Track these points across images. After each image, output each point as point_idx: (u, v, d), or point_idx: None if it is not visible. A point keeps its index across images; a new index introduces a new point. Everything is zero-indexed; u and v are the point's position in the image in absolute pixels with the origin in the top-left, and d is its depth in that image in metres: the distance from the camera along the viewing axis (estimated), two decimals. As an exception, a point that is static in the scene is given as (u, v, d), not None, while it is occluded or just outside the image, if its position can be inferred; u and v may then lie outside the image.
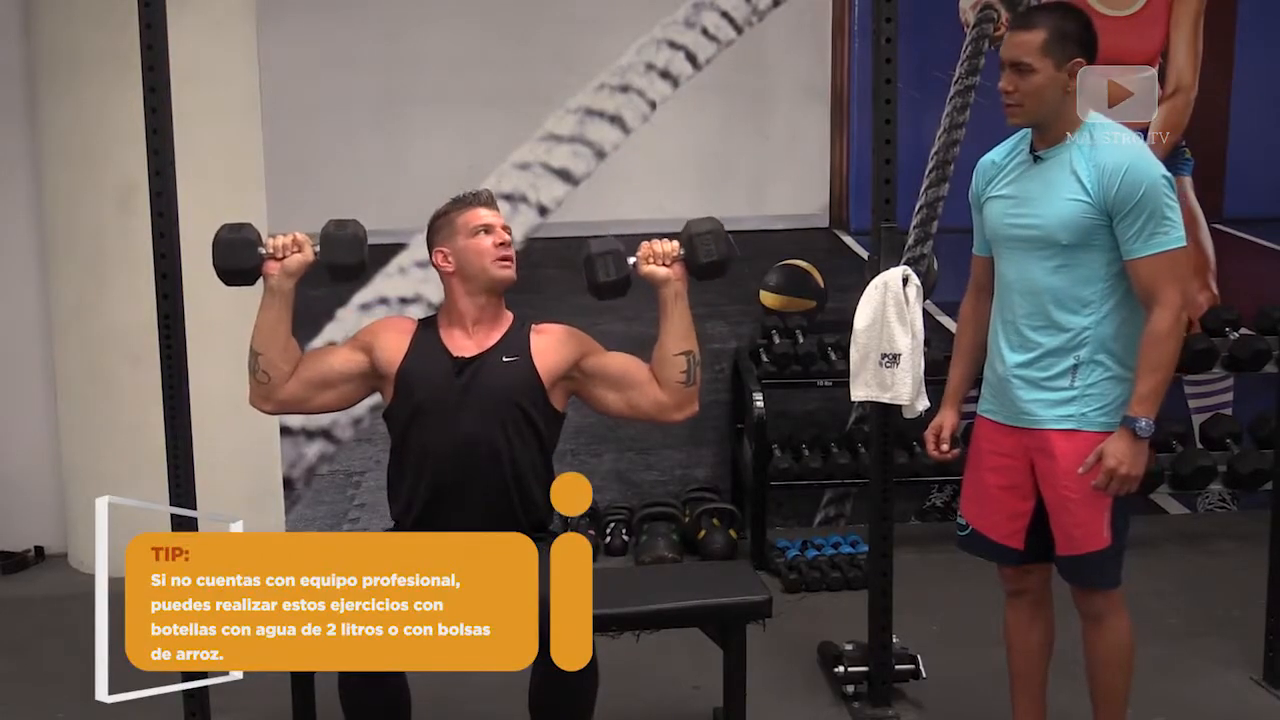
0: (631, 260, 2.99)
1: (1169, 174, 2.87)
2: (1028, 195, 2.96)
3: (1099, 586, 3.01)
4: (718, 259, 2.98)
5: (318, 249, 2.98)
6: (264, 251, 2.96)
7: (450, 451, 2.96)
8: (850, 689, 3.75)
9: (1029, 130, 2.98)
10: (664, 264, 2.97)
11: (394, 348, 3.04)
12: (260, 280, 2.99)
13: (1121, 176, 2.82)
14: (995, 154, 3.10)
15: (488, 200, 3.10)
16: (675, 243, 2.99)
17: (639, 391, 3.02)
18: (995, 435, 3.08)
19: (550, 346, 3.05)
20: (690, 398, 3.01)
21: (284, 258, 2.95)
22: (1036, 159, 2.96)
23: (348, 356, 3.06)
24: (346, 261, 3.00)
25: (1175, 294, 2.84)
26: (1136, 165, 2.83)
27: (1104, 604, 3.02)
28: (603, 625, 3.02)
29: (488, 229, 3.03)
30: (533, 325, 3.09)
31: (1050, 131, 2.93)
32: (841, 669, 3.76)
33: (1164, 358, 2.84)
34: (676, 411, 3.02)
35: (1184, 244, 2.86)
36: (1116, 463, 2.84)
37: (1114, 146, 2.87)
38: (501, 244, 3.03)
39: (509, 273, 3.04)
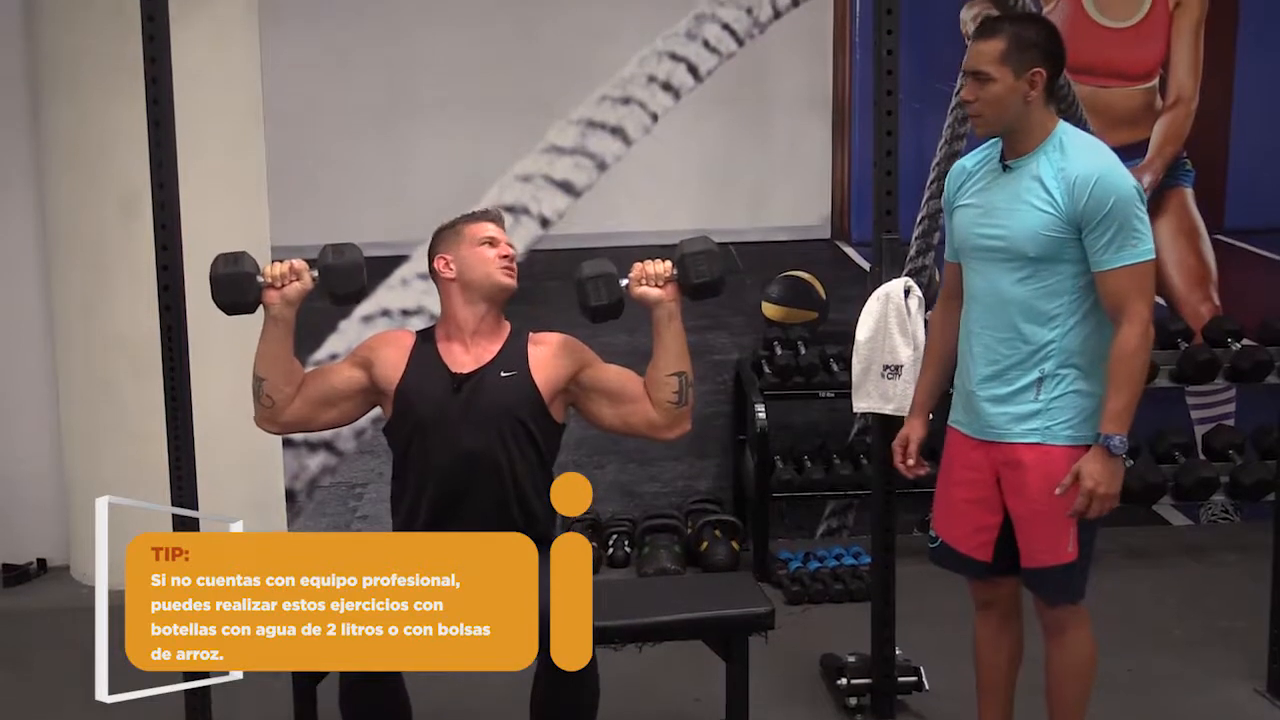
0: (623, 282, 2.98)
1: (1139, 185, 2.85)
2: (995, 206, 2.94)
3: (1062, 600, 2.99)
4: (710, 279, 2.95)
5: (316, 275, 2.97)
6: (262, 281, 2.95)
7: (450, 467, 2.96)
8: (853, 701, 3.74)
9: (1001, 139, 2.97)
10: (656, 285, 2.97)
11: (392, 364, 3.04)
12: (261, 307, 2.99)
13: (1091, 188, 2.79)
14: (968, 160, 3.09)
15: (496, 217, 3.14)
16: (668, 263, 2.98)
17: (633, 408, 3.02)
18: (964, 448, 3.07)
19: (548, 359, 3.05)
20: (682, 418, 3.01)
21: (283, 286, 2.96)
22: (1006, 168, 2.94)
23: (348, 374, 3.06)
24: (346, 290, 3.01)
25: (1143, 307, 2.81)
26: (1106, 176, 2.81)
27: (1067, 617, 3.01)
28: (605, 637, 3.02)
29: (493, 241, 3.06)
30: (530, 335, 3.10)
31: (1017, 140, 2.91)
32: (844, 681, 3.75)
33: (1133, 373, 2.83)
34: (668, 431, 3.02)
35: (1153, 256, 2.83)
36: (1094, 484, 2.82)
37: (1083, 157, 2.85)
38: (505, 256, 3.05)
39: (512, 281, 3.05)
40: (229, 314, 3.01)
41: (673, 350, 2.97)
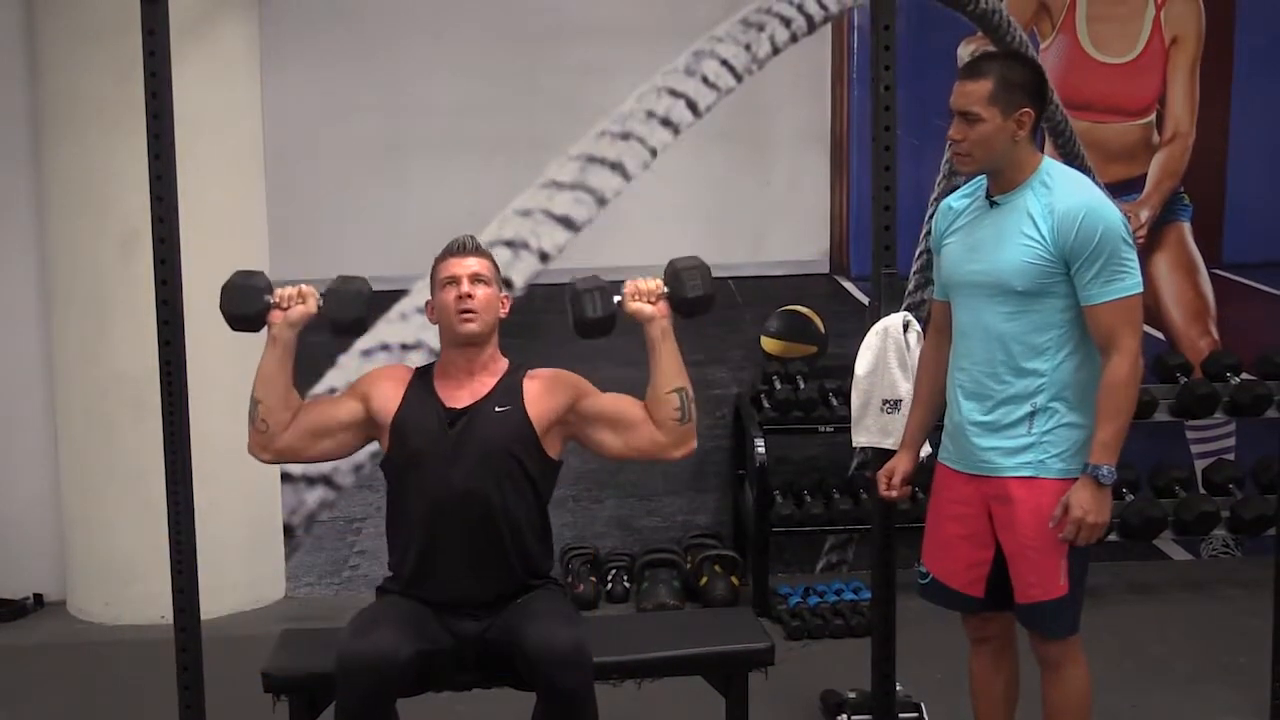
0: (616, 298, 3.00)
1: (1125, 218, 2.88)
2: (982, 241, 2.97)
3: (1055, 635, 2.99)
4: (704, 294, 2.99)
5: (322, 303, 3.00)
6: (270, 300, 2.99)
7: (444, 504, 2.96)
8: (854, 737, 3.72)
9: (986, 176, 3.00)
10: (649, 301, 2.98)
11: (389, 397, 3.04)
12: (265, 328, 3.02)
13: (1079, 222, 2.82)
14: (954, 198, 3.11)
15: (459, 249, 3.07)
16: (659, 280, 3.01)
17: (635, 432, 3.01)
18: (954, 483, 3.07)
19: (542, 392, 3.04)
20: (687, 435, 3.01)
21: (288, 308, 2.98)
22: (993, 204, 2.97)
23: (345, 406, 3.07)
24: (346, 317, 3.04)
25: (1133, 340, 2.85)
26: (1094, 211, 2.84)
27: (1062, 652, 3.00)
28: (603, 673, 3.00)
29: (453, 280, 3.02)
30: (527, 371, 3.09)
31: (1004, 178, 2.94)
32: (845, 717, 3.74)
33: (1123, 404, 2.85)
34: (675, 449, 3.01)
35: (1141, 289, 2.86)
36: (1083, 512, 2.84)
37: (1070, 192, 2.88)
38: (460, 296, 3.00)
39: (470, 327, 3.00)
40: (234, 328, 3.05)
41: (669, 367, 2.98)
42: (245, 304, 3.01)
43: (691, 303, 2.99)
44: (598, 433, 3.04)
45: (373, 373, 3.16)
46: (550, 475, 3.08)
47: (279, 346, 2.99)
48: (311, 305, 3.00)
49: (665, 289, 3.00)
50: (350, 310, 3.03)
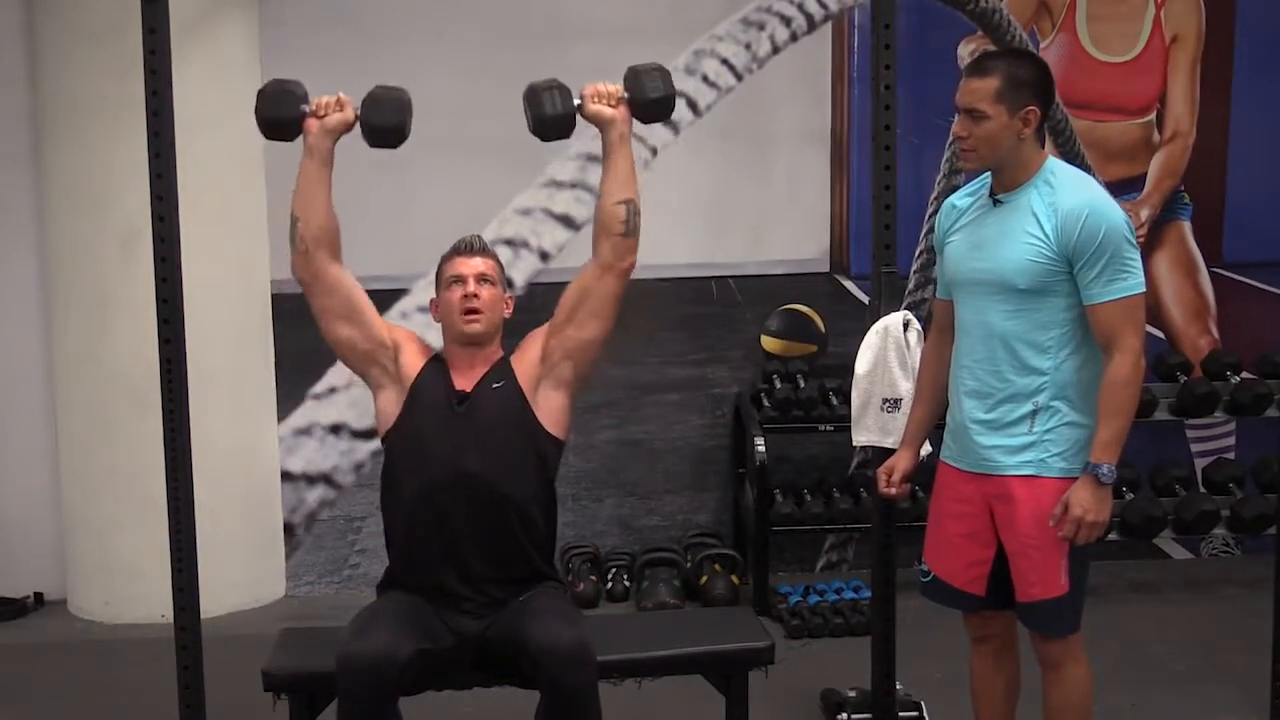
0: (576, 101, 2.99)
1: (1128, 217, 2.89)
2: (985, 239, 2.97)
3: (1056, 634, 2.99)
4: (664, 94, 2.99)
5: (360, 110, 2.98)
6: (306, 109, 2.97)
7: (450, 480, 2.97)
8: (854, 736, 3.72)
9: (990, 174, 3.00)
10: (610, 104, 2.98)
11: (414, 362, 3.08)
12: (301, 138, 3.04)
13: (1082, 221, 2.82)
14: (957, 197, 3.12)
15: (466, 248, 3.12)
16: (619, 85, 3.02)
17: (590, 291, 3.03)
18: (956, 482, 3.07)
19: (522, 354, 3.09)
20: (630, 248, 3.02)
21: (325, 115, 2.99)
22: (996, 202, 2.97)
23: (381, 327, 3.09)
24: (386, 123, 3.02)
25: (1135, 339, 2.85)
26: (1097, 209, 2.84)
27: (1062, 651, 3.00)
28: (605, 672, 3.00)
29: (459, 279, 3.06)
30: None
31: (1008, 176, 2.94)
32: (845, 716, 3.74)
33: (1124, 404, 2.86)
34: (620, 262, 3.02)
35: (1143, 289, 2.87)
36: (1082, 511, 2.84)
37: (1073, 191, 2.88)
38: (466, 296, 3.04)
39: (474, 327, 3.04)
40: (268, 135, 3.05)
41: (623, 174, 3.01)
42: (281, 108, 2.99)
43: (653, 104, 3.00)
44: (579, 332, 3.04)
45: (409, 332, 3.19)
46: (553, 450, 3.08)
47: (315, 157, 3.02)
48: (349, 113, 3.02)
49: (625, 94, 2.99)
50: (390, 116, 3.01)
